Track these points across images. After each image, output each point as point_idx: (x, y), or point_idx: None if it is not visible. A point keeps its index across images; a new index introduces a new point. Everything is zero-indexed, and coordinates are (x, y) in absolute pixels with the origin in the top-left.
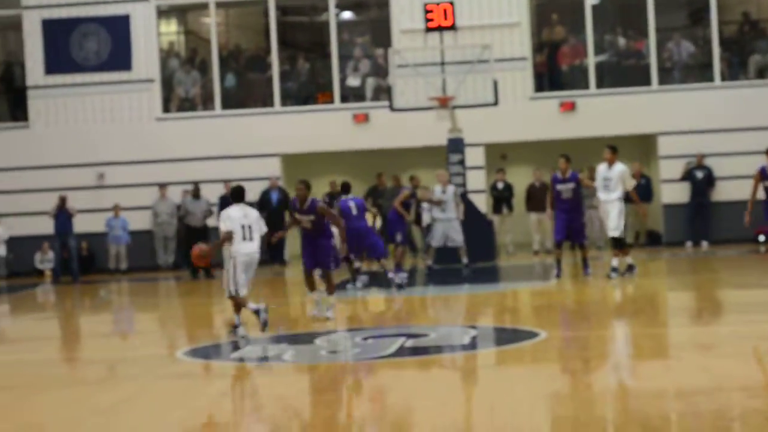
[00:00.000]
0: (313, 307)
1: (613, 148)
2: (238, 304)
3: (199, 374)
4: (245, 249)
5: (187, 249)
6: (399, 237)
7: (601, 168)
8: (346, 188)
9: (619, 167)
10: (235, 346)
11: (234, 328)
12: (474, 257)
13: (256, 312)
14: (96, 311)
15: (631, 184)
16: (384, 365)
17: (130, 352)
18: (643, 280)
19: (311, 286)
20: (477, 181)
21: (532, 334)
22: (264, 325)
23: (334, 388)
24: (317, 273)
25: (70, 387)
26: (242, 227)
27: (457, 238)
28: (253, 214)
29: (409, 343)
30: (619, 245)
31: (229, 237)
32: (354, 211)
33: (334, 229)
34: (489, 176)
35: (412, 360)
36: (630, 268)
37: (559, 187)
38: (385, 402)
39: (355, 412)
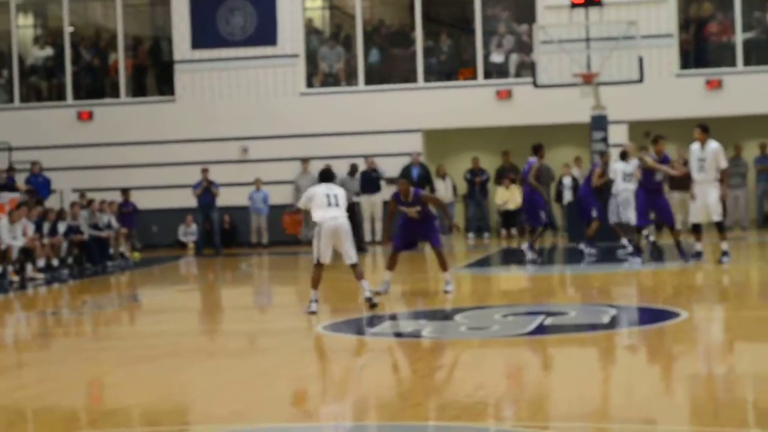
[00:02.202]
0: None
1: (704, 127)
2: (317, 276)
3: (338, 348)
4: (330, 213)
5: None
6: (594, 212)
7: (694, 148)
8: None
9: (712, 146)
10: (371, 322)
11: (310, 302)
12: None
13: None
14: (237, 284)
15: (724, 163)
16: (523, 343)
17: (270, 325)
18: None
19: (392, 266)
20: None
21: (672, 314)
22: (369, 302)
23: (472, 364)
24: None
25: (212, 358)
26: (327, 196)
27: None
28: (340, 191)
29: (549, 321)
30: (720, 229)
31: (298, 211)
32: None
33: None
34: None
35: (551, 338)
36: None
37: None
38: (523, 380)
39: (494, 389)
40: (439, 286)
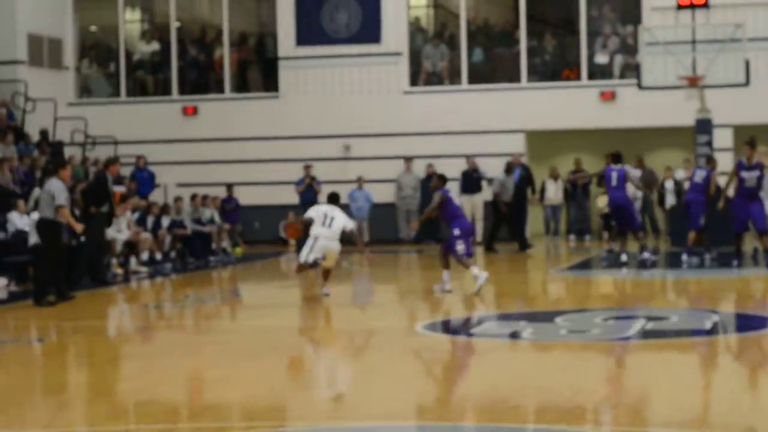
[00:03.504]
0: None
1: None
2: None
3: (437, 348)
4: (323, 232)
5: (497, 225)
6: (703, 220)
7: None
8: (616, 158)
9: None
10: (470, 323)
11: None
12: (719, 241)
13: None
14: (338, 281)
15: None
16: (624, 347)
17: (371, 323)
18: None
19: (445, 265)
20: (725, 163)
21: None
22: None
23: (572, 367)
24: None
25: (310, 355)
26: (324, 215)
27: None
28: (339, 214)
29: (650, 325)
30: None
31: (308, 221)
32: (614, 182)
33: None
34: (737, 159)
35: (653, 342)
36: None
37: (743, 174)
38: (624, 384)
39: (593, 393)
40: (539, 289)
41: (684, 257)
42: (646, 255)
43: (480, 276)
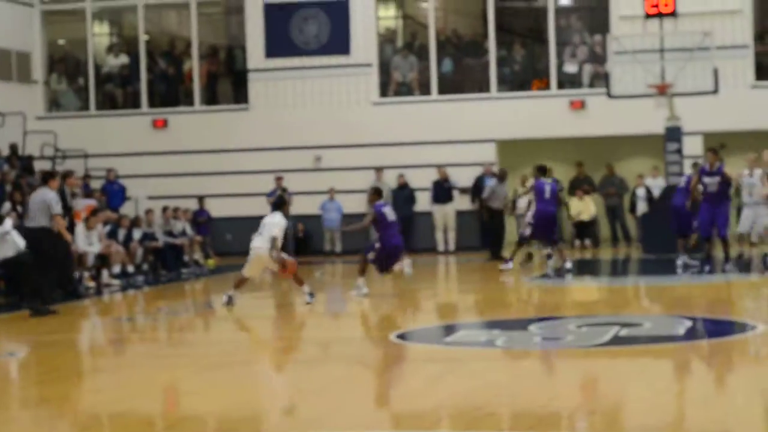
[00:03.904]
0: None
1: None
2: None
3: (411, 357)
4: (254, 242)
5: (486, 231)
6: (696, 223)
7: None
8: (543, 171)
9: None
10: (445, 331)
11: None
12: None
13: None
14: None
15: None
16: (598, 354)
17: (343, 333)
18: None
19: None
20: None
21: (749, 327)
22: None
23: (547, 375)
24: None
25: (284, 366)
26: (261, 224)
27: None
28: (269, 222)
29: (624, 332)
30: None
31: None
32: (547, 195)
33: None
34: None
35: (626, 349)
36: None
37: (706, 179)
38: (598, 390)
39: (568, 400)
40: (513, 297)
41: (679, 262)
42: (568, 265)
43: (361, 288)
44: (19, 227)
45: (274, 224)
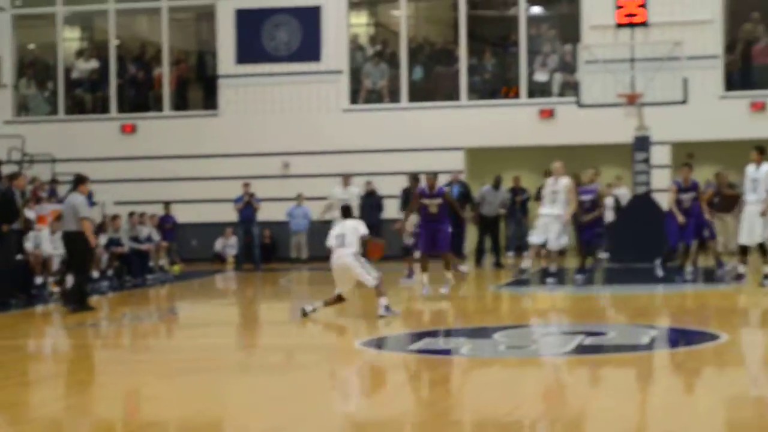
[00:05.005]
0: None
1: (761, 148)
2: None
3: (376, 364)
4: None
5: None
6: (706, 232)
7: (749, 169)
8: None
9: (765, 168)
10: (410, 339)
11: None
12: (655, 257)
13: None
14: (276, 299)
15: None
16: (562, 362)
17: (308, 340)
18: None
19: (425, 267)
20: (662, 180)
21: (712, 336)
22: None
23: (511, 383)
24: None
25: (250, 373)
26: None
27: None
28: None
29: (588, 341)
30: (763, 251)
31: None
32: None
33: None
34: (674, 176)
35: (590, 358)
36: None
37: (682, 195)
38: (561, 399)
39: (532, 408)
40: (478, 305)
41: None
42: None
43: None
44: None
45: (356, 227)
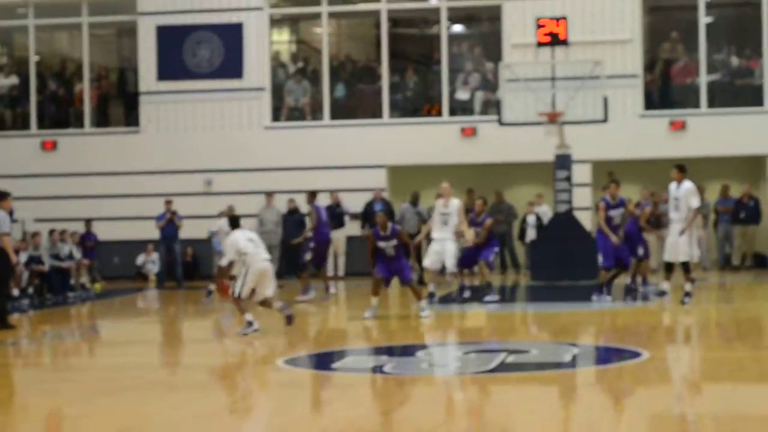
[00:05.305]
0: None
1: (681, 167)
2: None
3: (299, 383)
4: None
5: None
6: (641, 250)
7: (671, 187)
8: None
9: (686, 185)
10: (332, 357)
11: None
12: (577, 275)
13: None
14: (198, 316)
15: (695, 203)
16: (485, 380)
17: (230, 359)
18: (748, 304)
19: (377, 291)
20: (583, 198)
21: (634, 354)
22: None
23: (434, 401)
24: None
25: (173, 392)
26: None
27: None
28: (254, 235)
29: (511, 358)
30: (686, 269)
31: (229, 267)
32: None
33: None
34: (595, 194)
35: (513, 376)
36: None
37: (611, 212)
38: (484, 417)
39: (455, 426)
40: (401, 323)
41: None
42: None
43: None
44: None
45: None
